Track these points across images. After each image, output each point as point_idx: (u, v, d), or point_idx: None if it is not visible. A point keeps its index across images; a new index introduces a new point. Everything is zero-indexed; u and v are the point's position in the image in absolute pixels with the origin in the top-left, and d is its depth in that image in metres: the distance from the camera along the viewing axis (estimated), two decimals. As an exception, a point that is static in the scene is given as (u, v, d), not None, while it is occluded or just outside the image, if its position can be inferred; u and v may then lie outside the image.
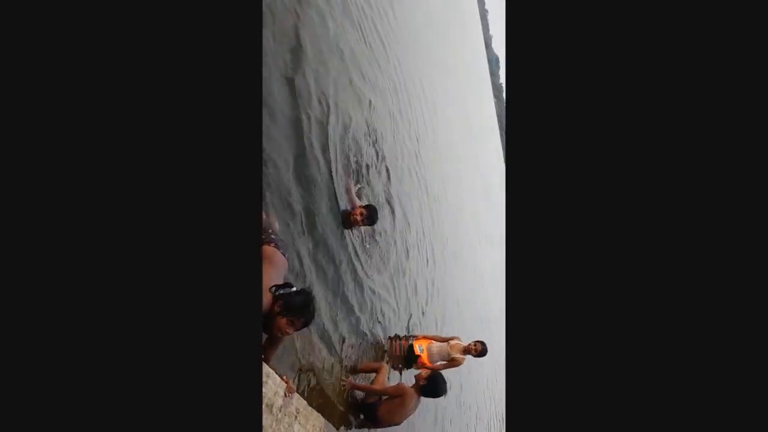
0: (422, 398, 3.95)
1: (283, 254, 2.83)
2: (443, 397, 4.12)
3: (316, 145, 3.89)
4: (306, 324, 2.55)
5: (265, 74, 3.25)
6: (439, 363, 4.84)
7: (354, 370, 3.86)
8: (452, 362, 4.94)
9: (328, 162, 4.02)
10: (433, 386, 3.89)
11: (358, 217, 4.33)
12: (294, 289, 2.54)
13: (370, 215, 4.40)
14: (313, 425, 2.85)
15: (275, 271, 2.67)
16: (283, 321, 2.43)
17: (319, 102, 4.17)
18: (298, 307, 2.44)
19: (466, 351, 4.94)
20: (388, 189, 5.66)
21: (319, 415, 2.99)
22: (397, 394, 3.75)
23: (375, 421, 3.81)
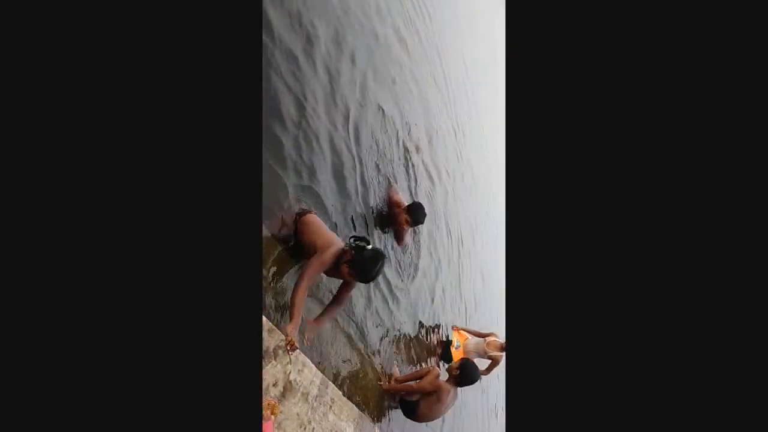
0: (459, 389, 3.99)
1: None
2: (479, 382, 4.13)
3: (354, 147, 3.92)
4: (365, 278, 2.68)
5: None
6: (476, 361, 4.83)
7: (397, 380, 3.87)
8: (493, 361, 4.91)
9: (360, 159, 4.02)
10: (466, 374, 3.90)
11: (404, 224, 4.10)
12: (369, 246, 2.64)
13: (416, 217, 4.13)
14: (348, 415, 2.96)
15: (327, 233, 2.80)
16: (346, 268, 2.60)
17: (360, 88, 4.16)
18: (366, 261, 2.58)
19: (504, 348, 4.90)
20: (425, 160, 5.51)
21: (354, 405, 3.10)
22: (434, 390, 3.80)
23: (414, 418, 3.88)
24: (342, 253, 2.63)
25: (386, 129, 4.59)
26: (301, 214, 2.91)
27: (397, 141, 4.79)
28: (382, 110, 4.57)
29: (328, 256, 2.59)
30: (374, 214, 4.05)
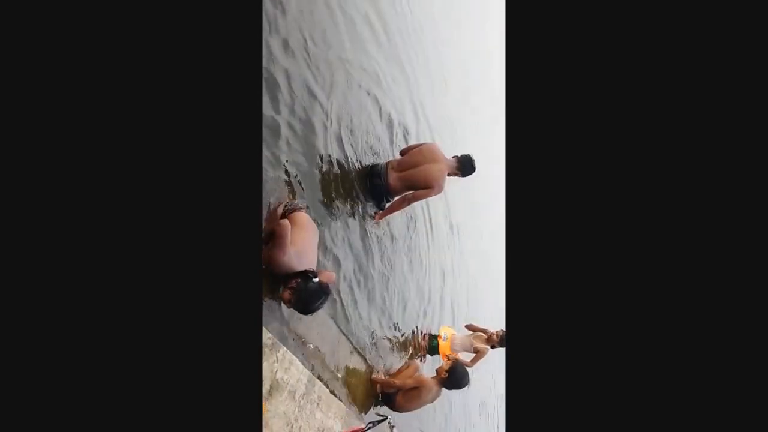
0: (445, 390, 3.99)
1: (315, 220, 2.91)
2: (467, 387, 4.13)
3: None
4: (305, 310, 2.65)
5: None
6: (461, 356, 4.85)
7: (385, 383, 3.86)
8: (478, 354, 4.93)
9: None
10: (454, 379, 3.90)
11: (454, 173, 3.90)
12: (316, 279, 2.58)
13: (465, 169, 3.91)
14: (335, 412, 2.94)
15: (311, 238, 2.76)
16: (288, 293, 2.59)
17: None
18: (310, 293, 2.56)
19: (489, 341, 4.93)
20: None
21: (341, 402, 3.08)
22: (416, 386, 3.81)
23: (392, 406, 3.89)
24: (290, 271, 2.59)
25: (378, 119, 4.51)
26: (291, 210, 2.79)
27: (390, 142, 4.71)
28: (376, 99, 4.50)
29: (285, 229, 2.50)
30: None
